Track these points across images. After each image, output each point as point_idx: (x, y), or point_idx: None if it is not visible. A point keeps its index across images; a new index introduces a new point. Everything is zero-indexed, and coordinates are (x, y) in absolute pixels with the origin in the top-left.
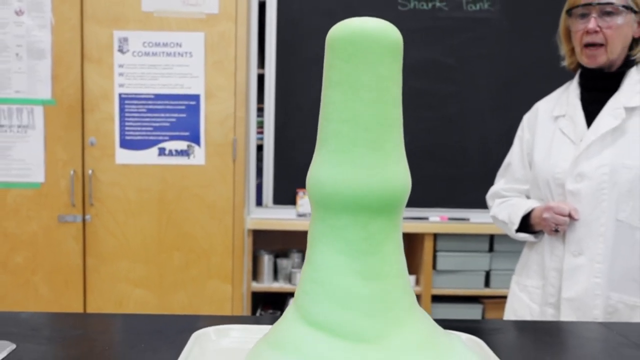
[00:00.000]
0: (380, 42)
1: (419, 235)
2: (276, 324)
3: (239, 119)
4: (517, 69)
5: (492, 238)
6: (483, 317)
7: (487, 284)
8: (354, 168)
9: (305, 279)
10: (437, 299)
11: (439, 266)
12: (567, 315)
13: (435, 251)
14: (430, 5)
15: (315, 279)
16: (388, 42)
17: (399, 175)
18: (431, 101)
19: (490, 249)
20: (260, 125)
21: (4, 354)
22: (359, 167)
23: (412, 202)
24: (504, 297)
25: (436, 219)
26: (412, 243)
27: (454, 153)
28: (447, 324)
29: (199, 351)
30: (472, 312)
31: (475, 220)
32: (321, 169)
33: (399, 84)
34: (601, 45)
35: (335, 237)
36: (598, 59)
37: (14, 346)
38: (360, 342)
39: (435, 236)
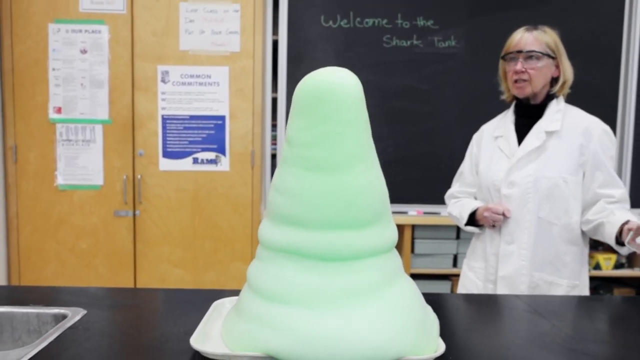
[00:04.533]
0: (340, 94)
1: (400, 226)
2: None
3: (256, 134)
4: (477, 93)
5: (458, 228)
6: (452, 290)
7: (454, 264)
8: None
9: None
10: (415, 276)
11: (417, 250)
12: (502, 289)
13: (413, 238)
14: (408, 42)
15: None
16: (347, 93)
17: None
18: (410, 118)
19: (457, 237)
20: (274, 138)
21: (79, 316)
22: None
23: (395, 199)
24: None
25: (414, 213)
26: None
27: (428, 160)
28: None
29: (217, 315)
30: (442, 287)
31: (445, 214)
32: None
33: (362, 124)
34: (526, 80)
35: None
36: (525, 90)
37: (85, 311)
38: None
39: (413, 227)
